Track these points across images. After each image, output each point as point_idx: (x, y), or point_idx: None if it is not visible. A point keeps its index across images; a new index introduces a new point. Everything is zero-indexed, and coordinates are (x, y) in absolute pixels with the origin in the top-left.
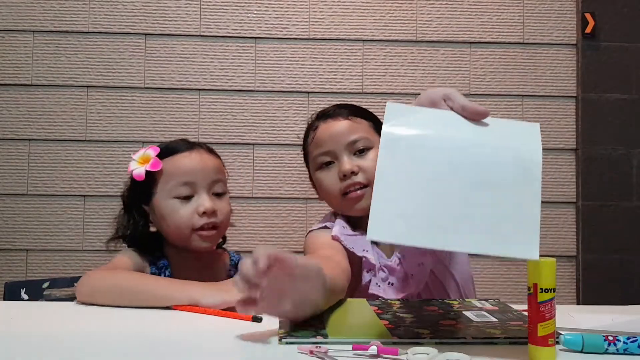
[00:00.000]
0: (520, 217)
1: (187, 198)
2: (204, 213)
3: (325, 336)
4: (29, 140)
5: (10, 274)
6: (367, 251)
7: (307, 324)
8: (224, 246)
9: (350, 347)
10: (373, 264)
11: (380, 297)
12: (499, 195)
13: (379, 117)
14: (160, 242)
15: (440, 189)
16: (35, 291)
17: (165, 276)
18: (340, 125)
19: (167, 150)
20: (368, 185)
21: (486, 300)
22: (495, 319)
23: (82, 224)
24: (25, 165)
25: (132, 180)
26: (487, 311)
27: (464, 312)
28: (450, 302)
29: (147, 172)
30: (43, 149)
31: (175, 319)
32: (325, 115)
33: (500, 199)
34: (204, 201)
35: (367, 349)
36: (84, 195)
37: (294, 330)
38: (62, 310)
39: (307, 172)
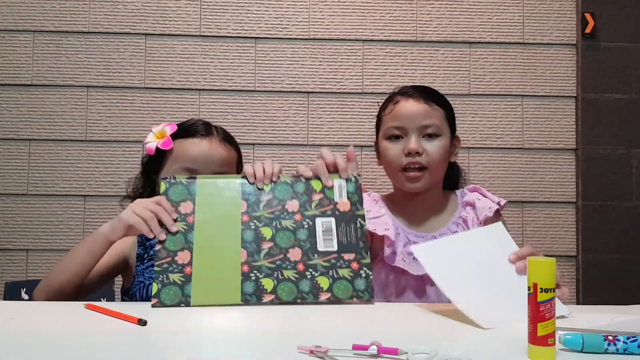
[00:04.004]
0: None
1: None
2: None
3: (189, 304)
4: (29, 140)
5: (10, 274)
6: (387, 229)
7: (175, 284)
8: None
9: (349, 346)
10: (392, 240)
11: (405, 270)
12: None
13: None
14: None
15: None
16: None
17: (149, 255)
18: (418, 107)
19: (182, 131)
20: (427, 167)
21: None
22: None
23: (82, 224)
24: (26, 165)
25: None
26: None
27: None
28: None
29: (158, 149)
30: (43, 149)
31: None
32: (407, 93)
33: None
34: None
35: (367, 349)
36: (84, 195)
37: (164, 294)
38: (63, 311)
39: (375, 138)
